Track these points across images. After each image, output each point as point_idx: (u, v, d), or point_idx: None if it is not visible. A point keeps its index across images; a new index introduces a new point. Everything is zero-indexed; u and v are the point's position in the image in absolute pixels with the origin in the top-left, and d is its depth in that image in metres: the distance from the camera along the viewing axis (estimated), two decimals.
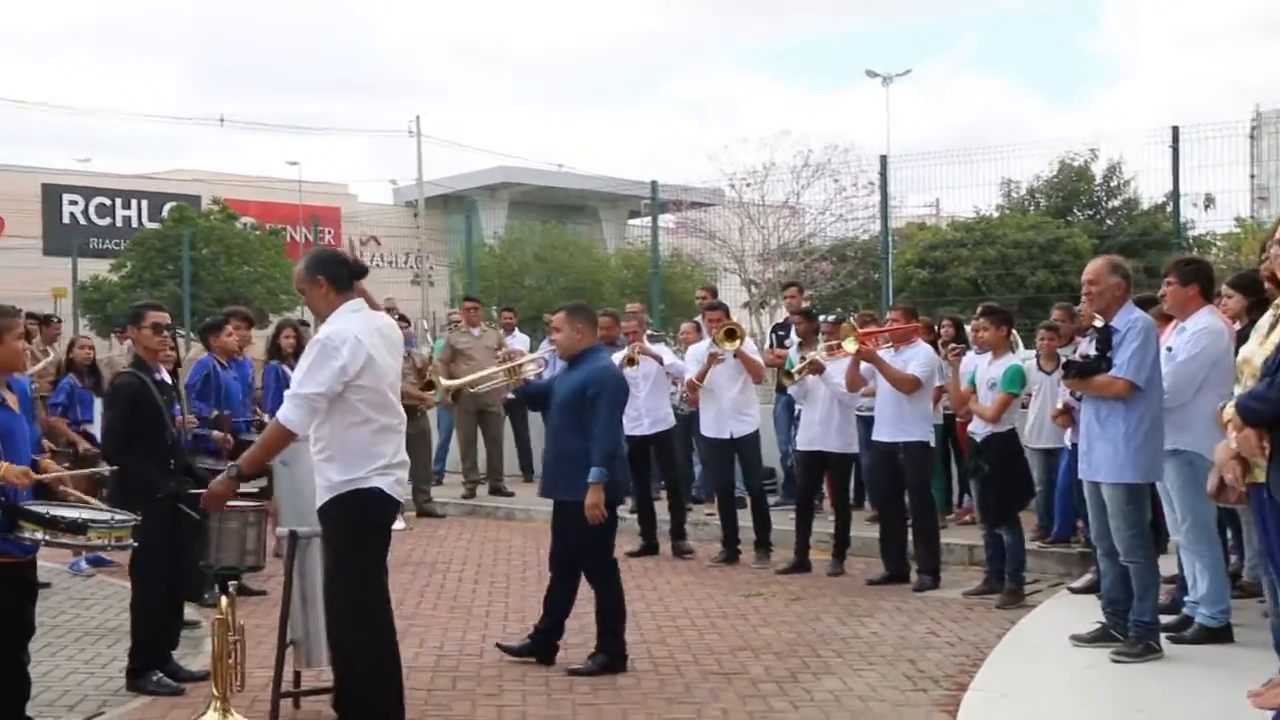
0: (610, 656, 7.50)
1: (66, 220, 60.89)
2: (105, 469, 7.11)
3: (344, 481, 5.89)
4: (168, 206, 53.20)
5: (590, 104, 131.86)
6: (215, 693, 6.46)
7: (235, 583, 6.85)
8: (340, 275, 6.04)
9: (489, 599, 9.58)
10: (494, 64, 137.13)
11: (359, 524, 5.94)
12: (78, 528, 5.52)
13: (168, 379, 7.30)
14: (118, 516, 5.78)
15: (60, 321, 15.82)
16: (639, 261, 38.00)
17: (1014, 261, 23.79)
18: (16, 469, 5.43)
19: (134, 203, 61.33)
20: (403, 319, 14.19)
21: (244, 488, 7.30)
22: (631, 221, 49.64)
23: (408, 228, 59.65)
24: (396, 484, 6.05)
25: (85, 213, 61.95)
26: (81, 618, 8.91)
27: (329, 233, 65.97)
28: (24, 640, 5.77)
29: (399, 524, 12.68)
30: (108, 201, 62.14)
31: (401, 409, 6.18)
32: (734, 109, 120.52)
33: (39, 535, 5.47)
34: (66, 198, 61.80)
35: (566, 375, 7.79)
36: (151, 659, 7.06)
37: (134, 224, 58.19)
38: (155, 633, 7.07)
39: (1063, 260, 23.22)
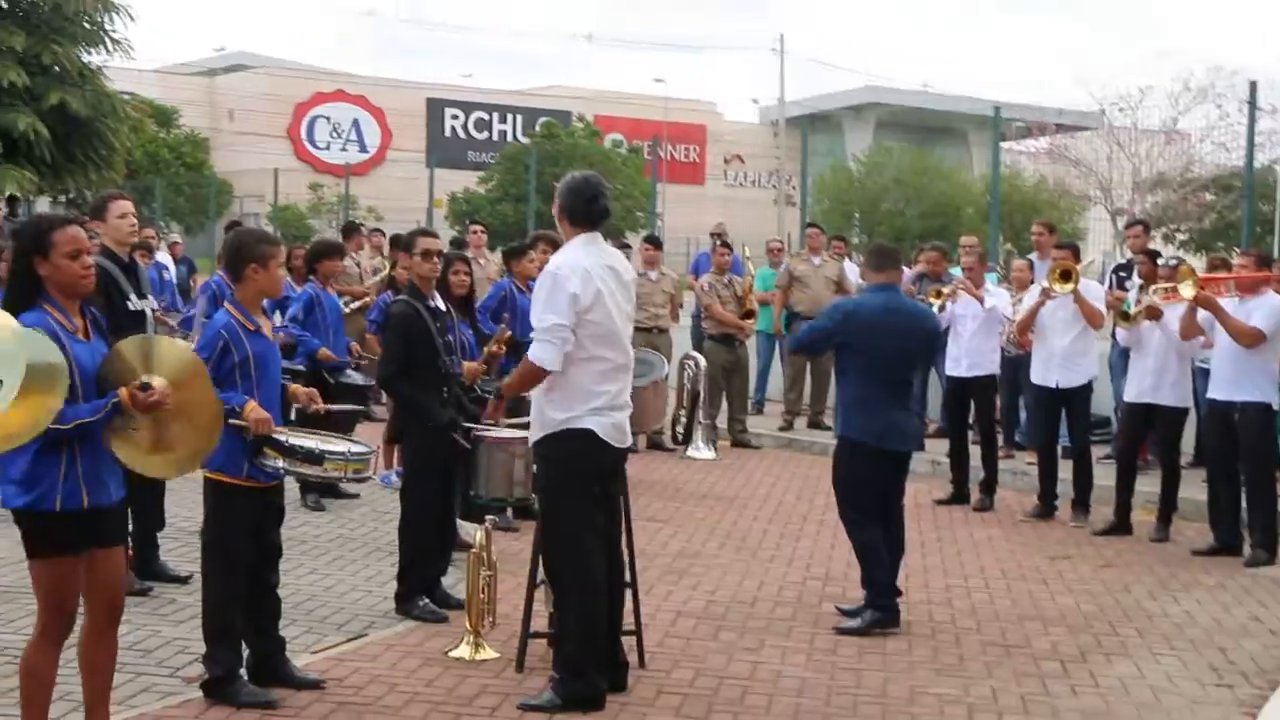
0: (879, 612, 7.11)
1: (448, 134, 63.58)
2: (361, 408, 7.18)
3: (557, 420, 5.73)
4: (540, 122, 54.67)
5: (959, 19, 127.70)
6: (468, 626, 6.45)
7: (493, 517, 6.82)
8: (578, 208, 5.86)
9: (779, 542, 9.27)
10: None
11: (568, 466, 5.76)
12: (314, 458, 5.53)
13: (441, 306, 7.26)
14: (354, 449, 5.76)
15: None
16: (1005, 188, 36.54)
17: None
18: (259, 415, 5.44)
19: (510, 117, 63.39)
20: (724, 245, 13.98)
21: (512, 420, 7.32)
22: (1003, 145, 47.93)
23: (772, 147, 59.41)
24: (614, 428, 5.81)
25: (465, 126, 64.51)
26: (377, 532, 9.10)
27: (695, 151, 66.70)
28: (271, 561, 5.84)
29: (708, 453, 12.73)
30: (485, 116, 64.47)
31: (630, 349, 5.97)
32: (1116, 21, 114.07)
33: (279, 463, 5.50)
34: (449, 112, 64.48)
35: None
36: (418, 584, 7.10)
37: (509, 138, 60.14)
38: (422, 558, 7.10)
39: None
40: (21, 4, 22.39)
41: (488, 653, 6.40)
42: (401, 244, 7.42)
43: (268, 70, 62.51)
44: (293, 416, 6.55)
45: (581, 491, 5.80)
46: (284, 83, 61.03)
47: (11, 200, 20.51)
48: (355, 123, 62.83)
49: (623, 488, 6.13)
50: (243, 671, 5.73)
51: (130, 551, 7.45)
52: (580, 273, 5.68)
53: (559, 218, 5.91)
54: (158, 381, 4.62)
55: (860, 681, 6.33)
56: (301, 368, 9.79)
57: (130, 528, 7.46)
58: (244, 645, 5.79)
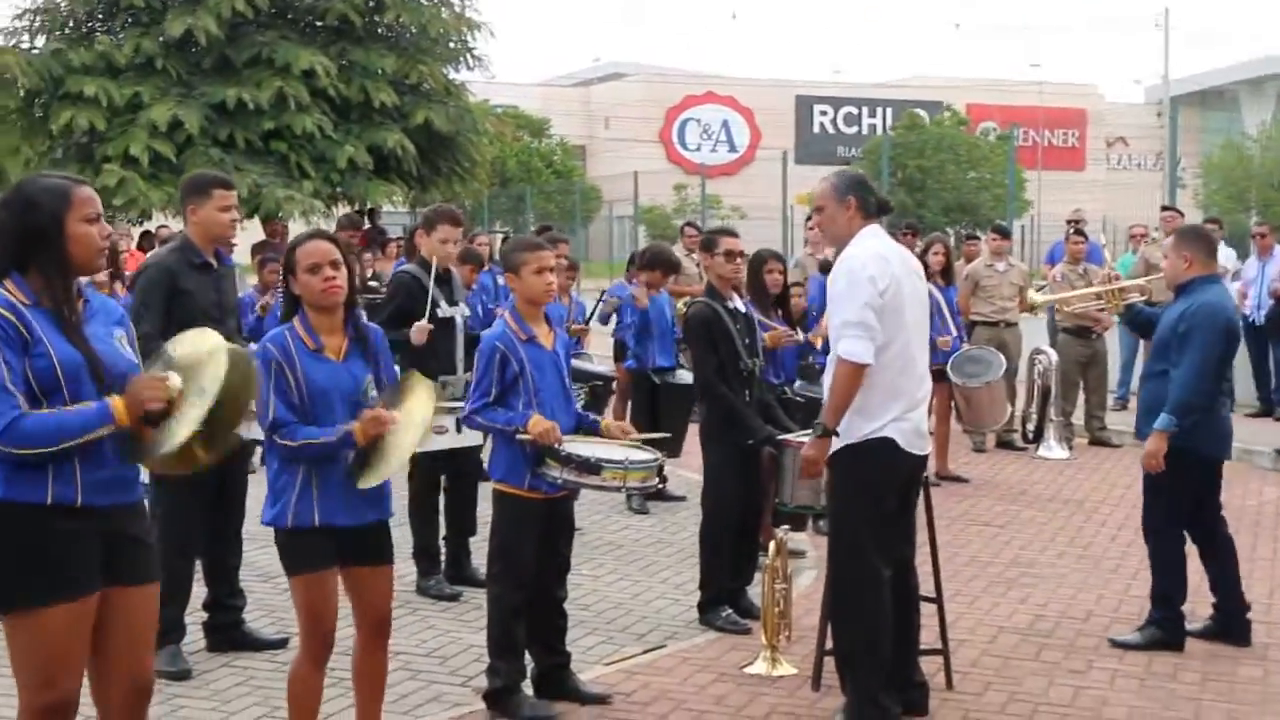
0: (1161, 630, 6.47)
1: (816, 130, 63.41)
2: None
3: (861, 430, 5.28)
4: (905, 113, 53.73)
5: None
6: (764, 641, 6.16)
7: (786, 528, 6.49)
8: (869, 201, 5.50)
9: (1125, 551, 8.50)
10: None
11: (864, 479, 5.31)
12: (590, 467, 5.31)
13: (741, 307, 6.98)
14: (633, 457, 5.50)
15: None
16: None
17: None
18: (543, 427, 5.29)
19: (879, 111, 62.58)
20: (1079, 233, 13.13)
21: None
22: None
23: (1157, 128, 56.36)
24: (914, 434, 5.37)
25: (834, 122, 64.19)
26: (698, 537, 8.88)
27: (1074, 135, 64.06)
28: (559, 575, 5.69)
29: (1061, 452, 11.96)
30: (854, 110, 63.96)
31: (925, 342, 5.55)
32: None
33: (558, 473, 5.33)
34: (817, 108, 64.32)
35: (1168, 307, 6.68)
36: (720, 593, 6.86)
37: (878, 132, 59.38)
38: (723, 567, 6.85)
39: None
40: (392, 29, 23.53)
41: (785, 668, 6.08)
42: (703, 244, 7.15)
43: (640, 76, 64.01)
44: None
45: (876, 507, 5.39)
46: (655, 88, 62.38)
47: (372, 212, 21.57)
48: (725, 123, 63.53)
49: (916, 497, 5.69)
50: (527, 684, 5.63)
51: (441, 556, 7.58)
52: (877, 261, 5.33)
53: (844, 212, 5.52)
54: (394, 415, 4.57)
55: (1199, 715, 5.66)
56: (632, 366, 9.81)
57: (443, 533, 7.62)
58: (530, 657, 5.68)
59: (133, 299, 6.11)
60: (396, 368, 5.09)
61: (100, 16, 23.02)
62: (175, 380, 3.79)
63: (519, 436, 5.32)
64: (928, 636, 5.86)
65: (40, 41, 22.83)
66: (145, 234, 19.52)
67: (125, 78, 21.73)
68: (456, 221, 7.72)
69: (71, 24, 22.98)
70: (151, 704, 4.10)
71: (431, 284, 7.35)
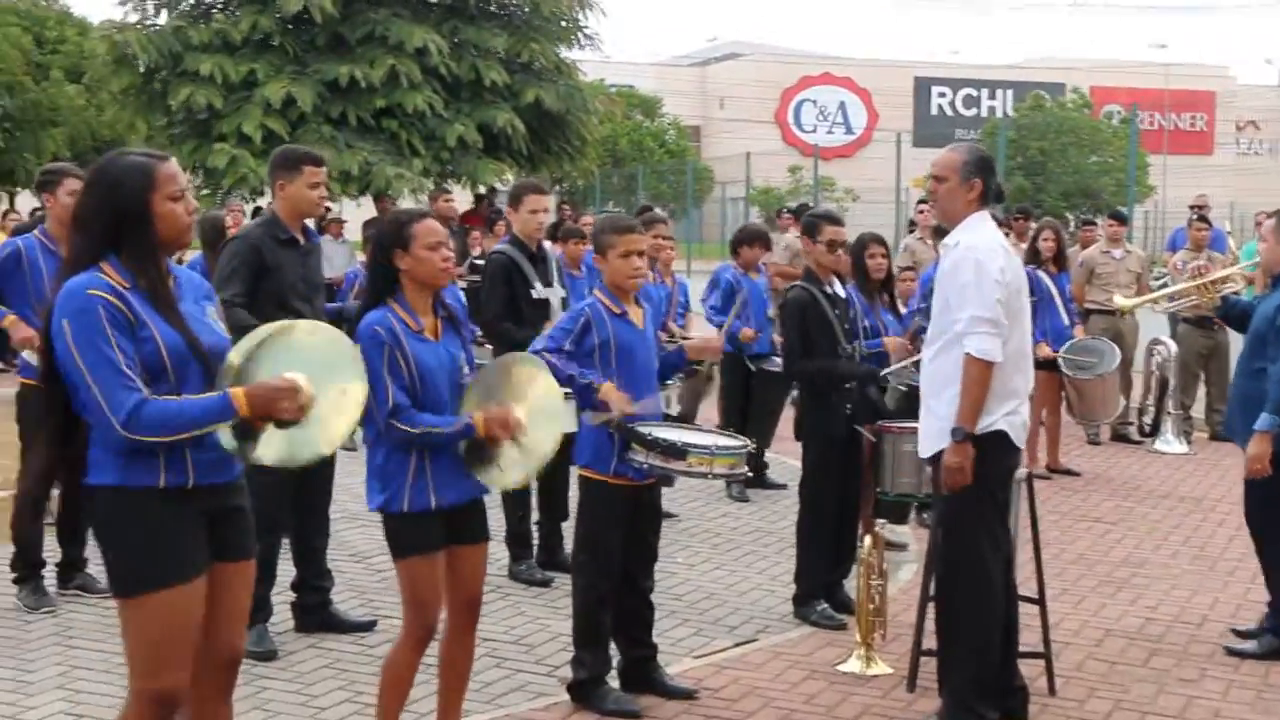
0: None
1: (934, 112, 62.54)
2: None
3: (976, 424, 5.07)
4: (1028, 95, 52.70)
5: None
6: (858, 639, 5.96)
7: (883, 521, 6.28)
8: (990, 187, 5.27)
9: (1245, 553, 8.05)
10: None
11: (980, 477, 5.06)
12: (675, 451, 5.14)
13: (841, 292, 6.76)
14: (720, 443, 5.33)
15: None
16: None
17: None
18: (615, 395, 5.15)
19: (999, 93, 61.59)
20: (1202, 219, 12.68)
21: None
22: None
23: None
24: (1022, 426, 5.18)
25: (952, 104, 63.27)
26: None
27: (1201, 118, 62.41)
28: (645, 565, 5.54)
29: (1179, 446, 11.55)
30: (974, 92, 63.01)
31: (1029, 335, 5.34)
32: None
33: (642, 458, 5.18)
34: (935, 90, 63.43)
35: (1266, 297, 6.35)
36: (816, 587, 6.66)
37: (998, 114, 58.37)
38: (820, 559, 6.65)
39: None
40: (504, 7, 23.55)
41: (880, 667, 5.88)
42: (805, 227, 6.93)
43: (756, 57, 63.57)
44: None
45: (987, 502, 5.17)
46: (772, 68, 61.92)
47: (491, 192, 21.60)
48: (841, 105, 62.93)
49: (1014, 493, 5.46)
50: (613, 676, 5.50)
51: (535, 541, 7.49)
52: (1002, 253, 5.15)
53: (968, 192, 5.27)
54: (518, 413, 4.47)
55: None
56: (729, 350, 9.60)
57: (536, 518, 7.51)
58: (616, 648, 5.55)
59: (218, 268, 6.05)
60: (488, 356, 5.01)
61: None
62: (306, 386, 3.68)
63: (589, 411, 5.23)
64: (1029, 638, 5.63)
65: (161, 19, 23.17)
66: (257, 210, 19.74)
67: (241, 55, 22.00)
68: (541, 191, 7.60)
69: (191, 1, 23.30)
70: (235, 684, 4.06)
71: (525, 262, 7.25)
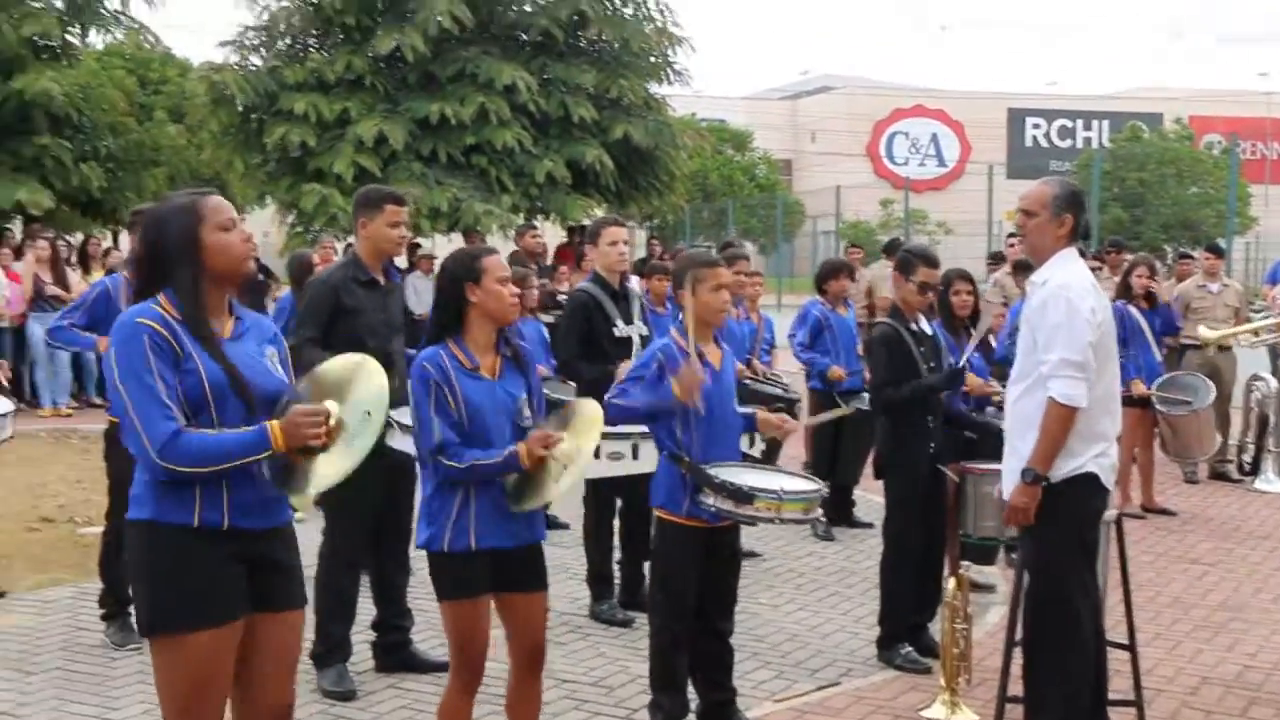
0: None
1: (1029, 143, 61.91)
2: (846, 409, 6.78)
3: (1065, 468, 4.94)
4: (1125, 126, 51.99)
5: None
6: (942, 684, 5.84)
7: (968, 564, 6.15)
8: (1081, 223, 5.17)
9: None
10: None
11: (1067, 517, 4.95)
12: (741, 496, 5.06)
13: (927, 329, 6.67)
14: (788, 486, 5.24)
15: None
16: None
17: None
18: (688, 371, 5.10)
19: (1095, 124, 60.83)
20: None
21: None
22: None
23: None
24: (1111, 469, 5.07)
25: (1047, 135, 62.60)
26: None
27: None
28: (724, 608, 5.45)
29: None
30: (1069, 123, 62.32)
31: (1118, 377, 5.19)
32: None
33: (711, 500, 5.12)
34: (1030, 121, 62.85)
35: None
36: (900, 629, 6.54)
37: (1094, 145, 57.62)
38: (904, 601, 6.53)
39: None
40: (593, 44, 23.71)
41: (965, 714, 5.74)
42: (899, 264, 6.83)
43: (847, 90, 63.36)
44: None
45: (1077, 547, 5.05)
46: (863, 101, 61.68)
47: (583, 229, 21.67)
48: (934, 137, 62.50)
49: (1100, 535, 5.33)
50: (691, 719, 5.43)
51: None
52: (1093, 293, 5.05)
53: (1058, 229, 5.15)
54: (564, 445, 4.42)
55: None
56: (818, 388, 9.53)
57: (617, 558, 7.46)
58: (694, 692, 5.48)
59: (299, 308, 6.11)
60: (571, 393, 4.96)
61: (314, 33, 23.71)
62: (335, 410, 3.67)
63: (672, 454, 5.18)
64: (1120, 684, 5.48)
65: (256, 60, 23.60)
66: (348, 248, 19.97)
67: (335, 94, 22.34)
68: (619, 223, 7.59)
69: (288, 39, 23.71)
70: None
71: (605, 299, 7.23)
